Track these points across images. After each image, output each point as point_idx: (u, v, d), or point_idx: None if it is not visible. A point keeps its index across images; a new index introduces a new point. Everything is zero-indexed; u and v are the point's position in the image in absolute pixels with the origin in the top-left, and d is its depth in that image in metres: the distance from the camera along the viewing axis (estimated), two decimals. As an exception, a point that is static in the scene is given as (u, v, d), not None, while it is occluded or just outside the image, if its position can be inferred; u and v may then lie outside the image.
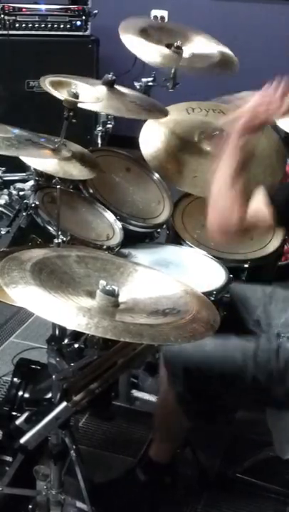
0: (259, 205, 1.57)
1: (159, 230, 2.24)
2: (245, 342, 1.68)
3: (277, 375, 1.61)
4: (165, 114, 2.13)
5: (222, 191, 1.60)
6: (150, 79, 2.47)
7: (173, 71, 2.38)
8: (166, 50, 2.26)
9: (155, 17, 4.00)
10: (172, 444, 1.84)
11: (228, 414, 1.87)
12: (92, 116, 2.94)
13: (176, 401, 1.68)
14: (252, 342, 1.67)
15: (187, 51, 2.31)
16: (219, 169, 1.62)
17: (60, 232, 1.58)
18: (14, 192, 2.05)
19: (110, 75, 2.07)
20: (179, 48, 2.27)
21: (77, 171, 1.96)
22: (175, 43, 2.27)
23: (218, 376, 1.63)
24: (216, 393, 1.66)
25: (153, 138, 2.23)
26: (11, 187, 2.07)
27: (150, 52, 2.23)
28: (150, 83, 2.47)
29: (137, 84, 2.48)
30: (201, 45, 2.39)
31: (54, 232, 1.70)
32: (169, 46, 2.28)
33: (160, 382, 1.78)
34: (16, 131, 1.65)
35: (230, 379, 1.63)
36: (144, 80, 2.48)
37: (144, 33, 2.29)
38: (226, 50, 2.40)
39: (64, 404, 1.41)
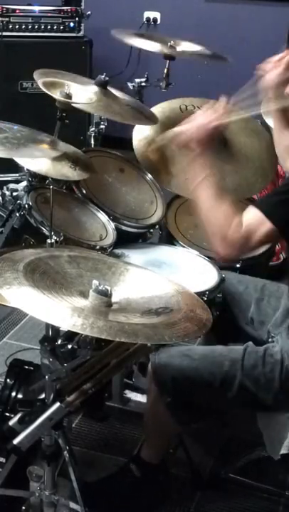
0: (251, 222, 1.51)
1: (152, 230, 2.24)
2: (233, 349, 1.69)
3: (263, 380, 1.62)
4: (154, 121, 2.14)
5: (212, 212, 1.56)
6: (143, 79, 2.48)
7: (166, 71, 2.39)
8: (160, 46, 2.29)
9: (148, 19, 4.01)
10: (162, 446, 1.85)
11: (219, 418, 1.88)
12: (85, 117, 2.95)
13: (166, 410, 1.68)
14: (239, 349, 1.68)
15: (180, 48, 2.34)
16: (199, 195, 1.58)
17: (53, 233, 1.58)
18: (7, 192, 2.05)
19: (103, 76, 2.08)
20: (172, 48, 2.29)
21: (70, 172, 1.97)
22: (168, 43, 2.29)
23: (207, 384, 1.64)
24: (204, 401, 1.66)
25: (145, 138, 2.24)
26: (4, 187, 2.07)
27: (149, 45, 2.25)
28: (143, 83, 2.48)
29: (130, 84, 2.49)
30: (190, 45, 2.42)
31: (47, 233, 1.70)
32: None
33: (148, 391, 1.78)
34: (15, 127, 1.65)
35: (218, 386, 1.63)
36: (137, 80, 2.49)
37: (138, 35, 2.31)
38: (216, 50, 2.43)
39: (57, 404, 1.40)
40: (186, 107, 2.32)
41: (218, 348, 1.70)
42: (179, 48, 2.36)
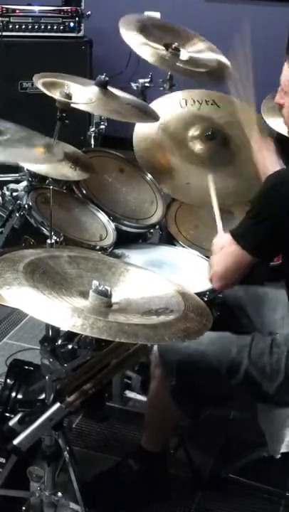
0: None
1: (152, 230, 2.24)
2: (241, 336, 1.70)
3: (269, 370, 1.63)
4: (156, 118, 2.14)
5: None
6: (147, 80, 2.48)
7: (169, 74, 2.38)
8: (163, 51, 2.26)
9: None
10: (163, 433, 1.86)
11: (221, 409, 1.88)
12: (85, 117, 2.94)
13: (169, 394, 1.69)
14: (248, 336, 1.69)
15: (184, 54, 2.31)
16: None
17: (53, 233, 1.58)
18: (7, 193, 2.05)
19: (103, 76, 2.07)
20: (176, 50, 2.27)
21: (70, 172, 1.96)
22: (173, 45, 2.27)
23: (212, 369, 1.64)
24: (209, 386, 1.67)
25: (145, 139, 2.24)
26: (4, 188, 2.07)
27: (148, 52, 2.23)
28: (147, 84, 2.48)
29: (133, 85, 2.48)
30: (198, 50, 2.38)
31: (47, 233, 1.70)
32: (167, 46, 2.28)
33: (152, 375, 1.78)
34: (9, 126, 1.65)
35: (224, 372, 1.64)
36: (141, 80, 2.48)
37: (144, 29, 2.28)
38: (223, 58, 2.37)
39: (57, 405, 1.40)
40: (186, 101, 2.31)
41: (226, 334, 1.70)
42: (183, 51, 2.31)
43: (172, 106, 2.29)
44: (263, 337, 1.69)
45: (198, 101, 2.31)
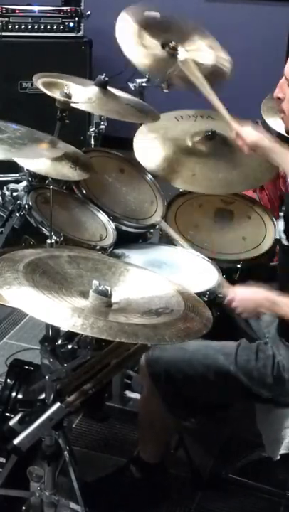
0: None
1: (152, 230, 2.24)
2: (226, 344, 1.70)
3: (256, 375, 1.63)
4: (156, 118, 2.14)
5: None
6: (144, 79, 2.48)
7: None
8: (159, 53, 2.26)
9: (148, 18, 4.00)
10: (158, 444, 1.85)
11: (216, 412, 1.88)
12: (85, 117, 2.95)
13: (159, 403, 1.69)
14: (232, 344, 1.69)
15: (182, 53, 2.30)
16: None
17: (53, 233, 1.58)
18: (7, 193, 2.05)
19: (103, 76, 2.08)
20: (174, 49, 2.27)
21: (70, 172, 1.97)
22: (171, 44, 2.27)
23: (200, 377, 1.64)
24: (198, 394, 1.67)
25: (147, 144, 2.24)
26: (4, 188, 2.07)
27: (143, 55, 2.22)
28: (144, 84, 2.48)
29: (131, 85, 2.48)
30: (197, 48, 2.37)
31: (47, 233, 1.70)
32: (164, 45, 2.27)
33: (141, 386, 1.78)
34: (14, 126, 1.66)
35: (212, 379, 1.64)
36: (138, 80, 2.48)
37: (143, 24, 2.28)
38: (223, 55, 2.36)
39: (57, 405, 1.40)
40: (182, 117, 2.32)
41: (211, 342, 1.71)
42: (180, 50, 2.31)
43: (168, 120, 2.30)
44: (248, 343, 1.70)
45: (193, 116, 2.33)
